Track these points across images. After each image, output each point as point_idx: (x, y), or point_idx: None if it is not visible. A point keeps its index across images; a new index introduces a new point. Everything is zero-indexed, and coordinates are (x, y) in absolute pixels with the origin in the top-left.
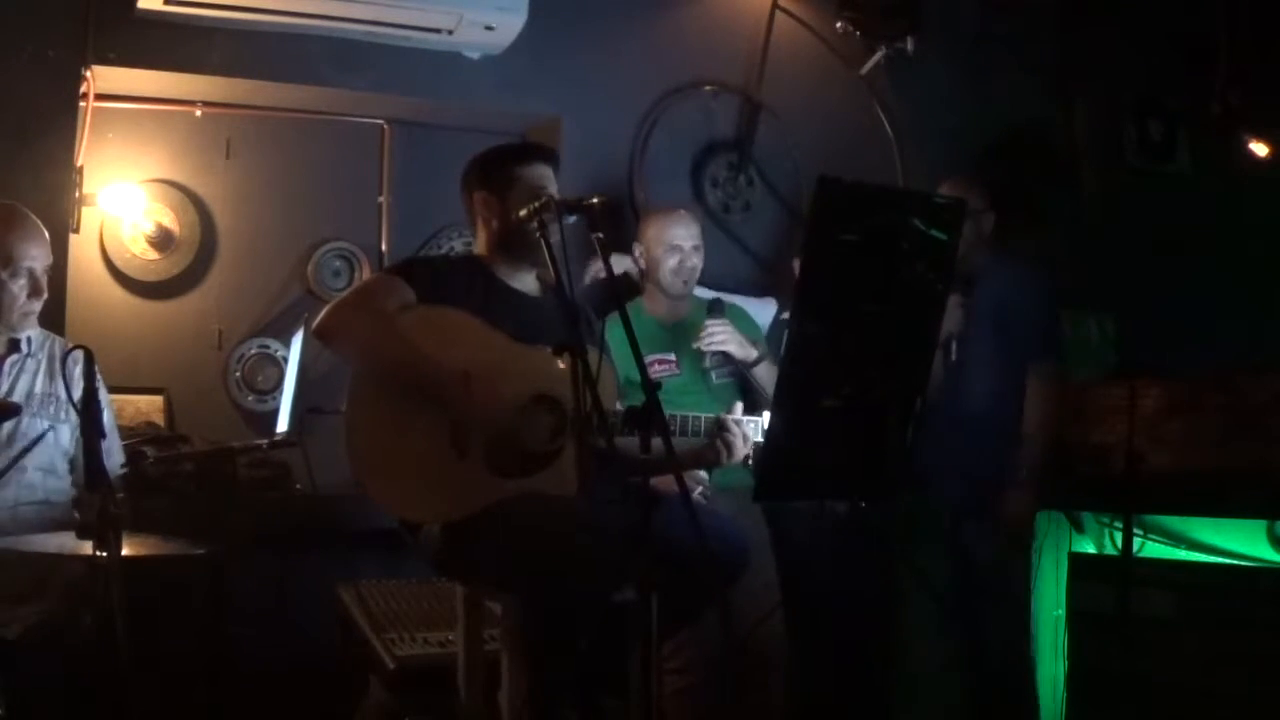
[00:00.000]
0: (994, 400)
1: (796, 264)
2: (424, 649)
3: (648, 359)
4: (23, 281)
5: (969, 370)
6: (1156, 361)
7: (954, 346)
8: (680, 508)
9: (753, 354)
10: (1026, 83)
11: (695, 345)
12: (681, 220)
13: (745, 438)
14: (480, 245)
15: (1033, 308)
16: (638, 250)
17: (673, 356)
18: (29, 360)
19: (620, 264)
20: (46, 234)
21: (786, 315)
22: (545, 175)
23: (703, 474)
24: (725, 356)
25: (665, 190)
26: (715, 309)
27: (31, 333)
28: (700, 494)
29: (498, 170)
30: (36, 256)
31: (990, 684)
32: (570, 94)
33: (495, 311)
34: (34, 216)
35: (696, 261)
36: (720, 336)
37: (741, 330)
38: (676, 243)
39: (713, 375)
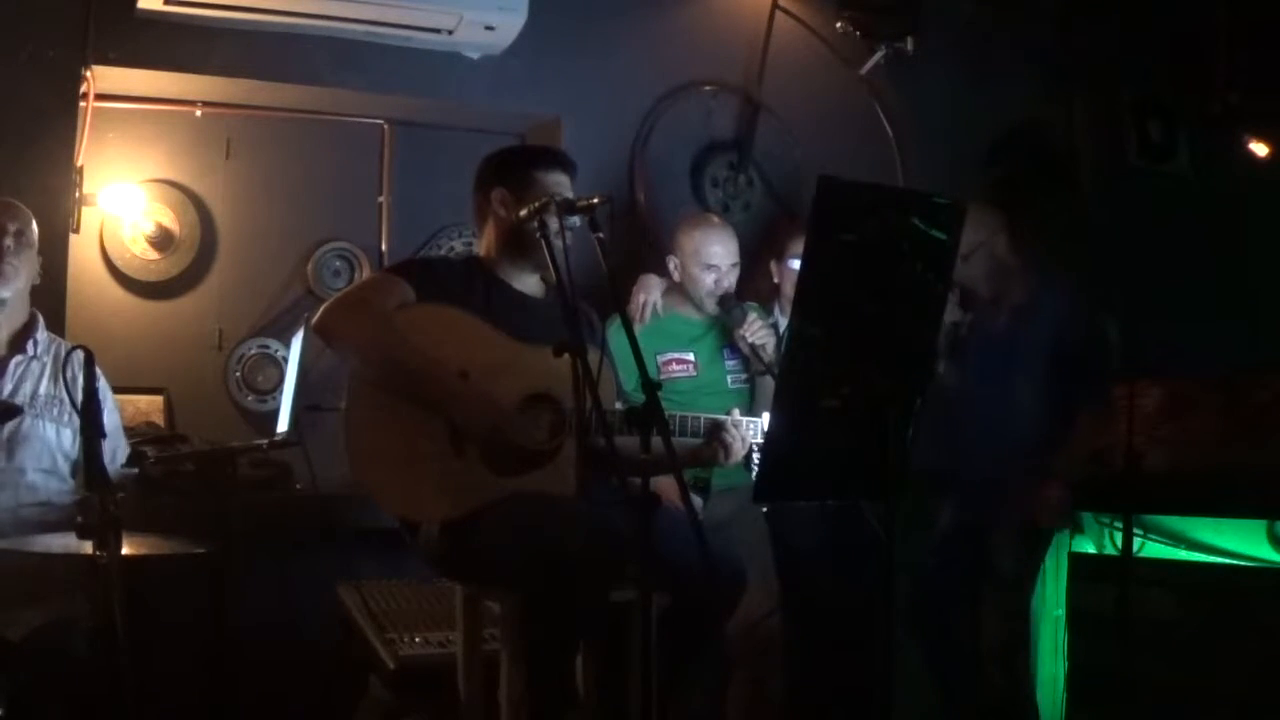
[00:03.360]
0: (1040, 421)
1: (774, 265)
2: (424, 649)
3: (665, 356)
4: None
5: (1015, 389)
6: (1156, 361)
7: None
8: (679, 521)
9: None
10: (1026, 83)
11: (739, 332)
12: (718, 236)
13: (743, 440)
14: (484, 245)
15: (1093, 340)
16: (672, 264)
17: (691, 356)
18: (34, 363)
19: (649, 285)
20: (17, 204)
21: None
22: (564, 184)
23: (697, 500)
24: (755, 355)
25: (665, 190)
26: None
27: (39, 335)
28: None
29: (519, 170)
30: None
31: (984, 687)
32: (570, 94)
33: (496, 311)
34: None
35: (732, 281)
36: (763, 334)
37: None
38: (714, 262)
39: (729, 379)
